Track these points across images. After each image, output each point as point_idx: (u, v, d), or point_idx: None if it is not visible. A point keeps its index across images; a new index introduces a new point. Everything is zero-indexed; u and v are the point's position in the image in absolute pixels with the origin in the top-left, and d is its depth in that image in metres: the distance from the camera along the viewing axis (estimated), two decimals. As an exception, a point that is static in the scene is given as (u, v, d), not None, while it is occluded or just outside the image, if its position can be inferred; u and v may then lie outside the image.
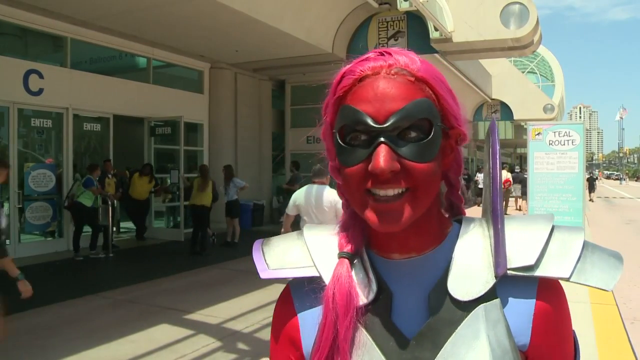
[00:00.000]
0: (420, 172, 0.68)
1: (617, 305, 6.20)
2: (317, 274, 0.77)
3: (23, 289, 3.95)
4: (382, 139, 0.67)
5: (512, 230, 0.75)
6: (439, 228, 0.78)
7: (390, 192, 0.68)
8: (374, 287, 0.75)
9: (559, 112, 29.17)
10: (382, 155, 0.66)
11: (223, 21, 9.47)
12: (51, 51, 10.35)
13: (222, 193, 10.69)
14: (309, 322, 0.79)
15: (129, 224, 12.21)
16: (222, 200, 10.73)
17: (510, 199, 19.81)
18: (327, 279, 0.76)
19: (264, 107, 15.12)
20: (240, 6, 8.60)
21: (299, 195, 5.17)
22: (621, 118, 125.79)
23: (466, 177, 18.85)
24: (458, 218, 0.82)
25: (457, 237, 0.77)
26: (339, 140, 0.71)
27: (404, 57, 0.72)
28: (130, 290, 6.83)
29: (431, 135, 0.69)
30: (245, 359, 4.51)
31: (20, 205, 9.10)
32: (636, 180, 71.77)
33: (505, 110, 26.03)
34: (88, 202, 9.05)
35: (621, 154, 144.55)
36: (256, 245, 0.84)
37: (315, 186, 5.13)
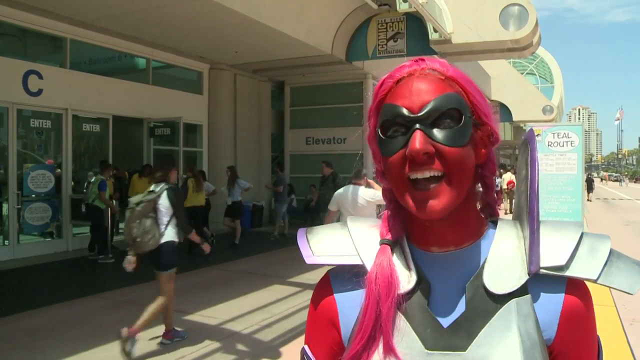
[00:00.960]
0: (452, 155, 0.75)
1: (615, 306, 6.20)
2: (360, 262, 0.82)
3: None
4: (417, 126, 0.75)
5: (545, 233, 0.80)
6: (476, 225, 0.84)
7: (427, 173, 0.75)
8: (414, 276, 0.80)
9: (558, 114, 29.22)
10: (417, 139, 0.74)
11: (222, 22, 9.47)
12: (51, 52, 10.35)
13: (225, 194, 10.69)
14: (348, 305, 0.84)
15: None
16: (222, 201, 10.73)
17: (512, 200, 19.75)
18: (369, 267, 0.81)
19: (264, 108, 15.12)
20: (239, 7, 8.61)
21: (340, 194, 5.86)
22: (618, 119, 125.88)
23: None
24: (494, 219, 0.89)
25: (493, 235, 0.84)
26: (381, 135, 0.80)
27: (436, 62, 0.82)
28: (129, 291, 6.82)
29: (461, 123, 0.77)
30: (244, 359, 4.51)
31: (20, 206, 9.10)
32: (635, 182, 71.71)
33: (504, 112, 26.07)
34: (103, 204, 9.02)
35: (620, 156, 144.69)
36: (300, 232, 0.89)
37: (352, 186, 5.84)
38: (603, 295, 6.49)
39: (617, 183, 73.84)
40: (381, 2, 11.07)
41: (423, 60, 0.82)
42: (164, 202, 4.66)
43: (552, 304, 0.78)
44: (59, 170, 9.90)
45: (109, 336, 4.90)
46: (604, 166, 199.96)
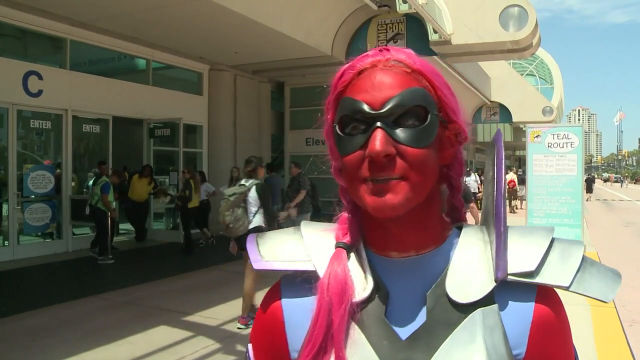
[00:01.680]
0: (415, 157, 0.69)
1: (615, 307, 6.20)
2: (313, 269, 0.76)
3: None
4: (378, 124, 0.68)
5: (513, 238, 0.75)
6: (439, 229, 0.78)
7: (387, 177, 0.68)
8: (370, 284, 0.74)
9: (557, 115, 29.23)
10: (378, 139, 0.67)
11: (222, 23, 9.48)
12: (50, 52, 10.35)
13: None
14: (296, 314, 0.77)
15: (128, 226, 12.20)
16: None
17: (512, 200, 20.37)
18: (322, 273, 0.75)
19: (263, 108, 15.12)
20: (239, 8, 8.61)
21: None
22: (619, 120, 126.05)
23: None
24: (459, 224, 0.82)
25: (456, 241, 0.77)
26: (338, 132, 0.73)
27: (402, 53, 0.74)
28: (129, 291, 6.83)
29: (427, 122, 0.70)
30: (244, 360, 4.51)
31: (19, 207, 9.10)
32: (635, 183, 71.64)
33: (504, 113, 26.08)
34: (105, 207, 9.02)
35: (620, 157, 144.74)
36: (250, 237, 0.83)
37: None
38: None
39: (618, 184, 73.84)
40: (381, 3, 11.07)
41: (388, 50, 0.75)
42: (252, 195, 5.40)
43: (521, 314, 0.71)
44: (58, 170, 9.91)
45: (109, 336, 4.91)
46: (603, 167, 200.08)
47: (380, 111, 0.69)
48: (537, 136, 9.26)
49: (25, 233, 9.45)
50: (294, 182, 9.42)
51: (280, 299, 0.80)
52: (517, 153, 44.65)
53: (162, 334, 5.08)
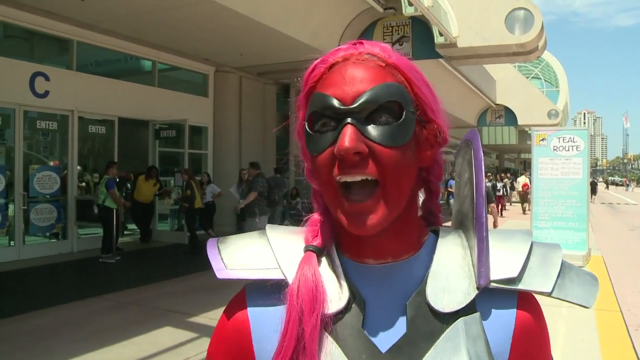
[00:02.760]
0: (389, 157, 0.64)
1: (621, 311, 6.18)
2: (282, 277, 0.70)
3: None
4: (348, 120, 0.64)
5: (492, 243, 0.71)
6: (417, 235, 0.74)
7: (358, 177, 0.64)
8: (346, 293, 0.69)
9: (563, 118, 29.16)
10: (347, 135, 0.63)
11: (228, 25, 9.50)
12: (57, 54, 10.40)
13: (236, 196, 10.69)
14: (264, 325, 0.72)
15: (132, 226, 12.23)
16: (227, 203, 10.75)
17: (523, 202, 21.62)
18: (291, 280, 0.70)
19: (269, 110, 15.14)
20: (245, 10, 8.63)
21: None
22: (627, 125, 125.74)
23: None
24: (434, 228, 0.79)
25: (434, 246, 0.74)
26: (308, 129, 0.69)
27: (376, 47, 0.70)
28: (133, 292, 6.84)
29: (402, 119, 0.66)
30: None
31: (25, 207, 9.14)
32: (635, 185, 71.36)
33: (509, 116, 26.01)
34: (113, 204, 9.07)
35: (625, 160, 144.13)
36: (211, 242, 0.77)
37: None
38: (608, 301, 6.47)
39: (623, 188, 73.46)
40: (387, 5, 11.08)
41: (362, 43, 0.70)
42: None
43: (503, 321, 0.69)
44: (64, 171, 9.95)
45: (113, 337, 4.92)
46: (609, 170, 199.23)
47: (351, 106, 0.65)
48: (542, 139, 9.23)
49: (31, 233, 9.49)
50: (250, 184, 9.51)
51: (246, 307, 0.74)
52: (523, 156, 44.55)
53: (167, 335, 5.08)
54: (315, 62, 0.72)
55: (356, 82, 0.66)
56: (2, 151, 9.14)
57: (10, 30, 9.25)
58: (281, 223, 12.15)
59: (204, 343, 4.86)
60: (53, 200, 9.63)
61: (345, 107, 0.65)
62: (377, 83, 0.66)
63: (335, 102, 0.65)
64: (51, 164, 9.96)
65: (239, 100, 13.86)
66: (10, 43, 9.51)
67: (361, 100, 0.65)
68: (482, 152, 0.74)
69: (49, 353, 4.58)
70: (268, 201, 9.43)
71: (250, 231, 0.81)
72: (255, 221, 9.21)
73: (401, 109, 0.66)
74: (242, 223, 9.92)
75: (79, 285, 7.55)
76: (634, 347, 4.96)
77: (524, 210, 21.17)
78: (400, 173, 0.66)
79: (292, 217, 12.73)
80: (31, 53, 9.99)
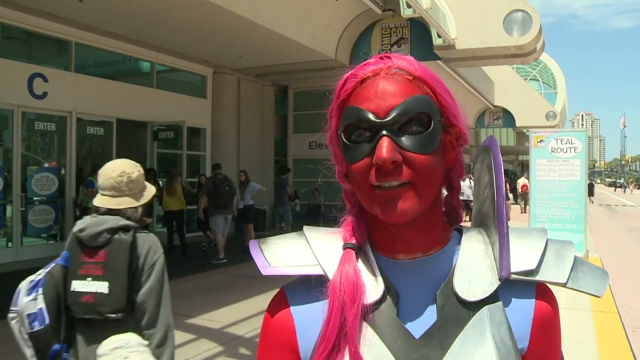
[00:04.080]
0: (421, 163, 0.71)
1: (619, 313, 6.19)
2: (322, 272, 0.77)
3: None
4: (384, 132, 0.71)
5: (511, 239, 0.78)
6: (442, 231, 0.81)
7: (395, 182, 0.71)
8: (381, 285, 0.76)
9: (561, 120, 29.21)
10: (384, 147, 0.69)
11: (227, 26, 9.51)
12: (56, 55, 10.40)
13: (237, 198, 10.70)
14: (307, 320, 0.78)
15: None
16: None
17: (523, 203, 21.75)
18: (331, 275, 0.76)
19: (267, 112, 15.15)
20: (244, 12, 8.64)
21: None
22: (624, 127, 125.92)
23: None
24: (457, 227, 0.85)
25: (459, 241, 0.81)
26: (344, 140, 0.75)
27: (403, 60, 0.76)
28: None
29: (431, 128, 0.72)
30: (246, 363, 4.51)
31: (23, 208, 9.12)
32: (638, 188, 71.25)
33: (507, 117, 26.08)
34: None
35: (623, 162, 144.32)
36: (253, 243, 0.83)
37: None
38: (606, 302, 6.47)
39: (621, 189, 73.54)
40: (385, 7, 11.10)
41: (389, 57, 0.77)
42: None
43: (523, 309, 0.76)
44: (62, 172, 9.93)
45: (112, 339, 4.91)
46: (606, 172, 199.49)
47: (385, 119, 0.71)
48: (540, 141, 9.25)
49: (28, 235, 9.47)
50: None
51: (289, 306, 0.81)
52: (520, 158, 44.59)
53: (165, 336, 5.07)
54: (346, 75, 0.78)
55: (388, 96, 0.72)
56: (0, 152, 9.13)
57: (9, 32, 9.24)
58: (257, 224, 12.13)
59: (202, 345, 4.86)
60: (51, 202, 9.62)
61: (380, 120, 0.71)
62: (407, 96, 0.72)
63: (371, 116, 0.72)
64: (46, 165, 9.93)
65: (237, 101, 13.87)
66: (8, 44, 9.50)
67: (394, 114, 0.71)
68: (501, 157, 0.81)
69: (47, 354, 4.57)
70: (215, 202, 9.47)
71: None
72: (219, 219, 9.45)
73: (429, 119, 0.73)
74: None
75: (77, 286, 7.53)
76: (631, 348, 4.97)
77: (523, 209, 21.24)
78: (431, 176, 0.73)
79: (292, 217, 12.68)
80: (29, 54, 9.98)
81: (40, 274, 2.25)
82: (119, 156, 9.39)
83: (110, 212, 2.19)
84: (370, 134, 0.72)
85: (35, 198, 9.34)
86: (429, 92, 0.75)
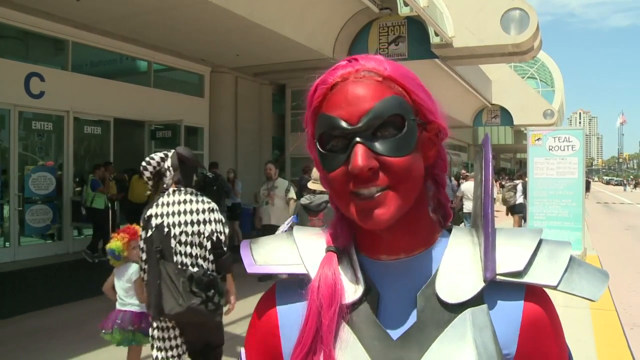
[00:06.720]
0: (399, 166, 0.70)
1: (616, 311, 6.20)
2: (305, 272, 0.77)
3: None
4: (357, 139, 0.69)
5: (501, 240, 0.76)
6: (428, 231, 0.79)
7: (373, 189, 0.69)
8: (361, 286, 0.75)
9: (558, 118, 29.23)
10: (359, 154, 0.68)
11: (224, 25, 9.49)
12: (52, 54, 10.37)
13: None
14: (290, 319, 0.79)
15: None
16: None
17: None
18: (314, 275, 0.77)
19: (265, 111, 15.13)
20: (241, 10, 8.63)
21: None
22: (621, 124, 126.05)
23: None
24: (448, 227, 0.83)
25: (446, 242, 0.79)
26: (320, 149, 0.74)
27: (371, 61, 0.74)
28: (129, 293, 6.81)
29: (405, 130, 0.71)
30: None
31: (21, 208, 9.10)
32: (635, 187, 71.17)
33: (505, 116, 26.07)
34: (101, 205, 9.08)
35: (621, 160, 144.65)
36: (244, 243, 0.85)
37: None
38: (604, 300, 6.48)
39: (620, 187, 73.53)
40: (382, 5, 11.09)
41: (357, 60, 0.75)
42: None
43: (510, 313, 0.72)
44: (60, 172, 9.91)
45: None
46: (604, 170, 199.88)
47: (357, 126, 0.69)
48: (538, 139, 9.25)
49: (26, 234, 9.45)
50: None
51: (275, 305, 0.81)
52: (518, 156, 44.65)
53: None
54: (316, 82, 0.77)
55: (358, 101, 0.70)
56: (-3, 152, 9.12)
57: (5, 31, 9.20)
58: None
59: (201, 344, 4.85)
60: (48, 201, 9.60)
61: (352, 127, 0.70)
62: (378, 100, 0.70)
63: (343, 123, 0.70)
64: (41, 163, 9.91)
65: (234, 100, 13.85)
66: (5, 43, 9.47)
67: (366, 120, 0.69)
68: (491, 154, 0.79)
69: (46, 354, 4.57)
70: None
71: None
72: None
73: (403, 120, 0.71)
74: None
75: (75, 286, 7.52)
76: (629, 346, 4.98)
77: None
78: (409, 177, 0.71)
79: None
80: (26, 53, 9.96)
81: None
82: (116, 155, 9.37)
83: (322, 192, 4.14)
84: (345, 142, 0.71)
85: (32, 198, 9.32)
86: (401, 91, 0.73)
